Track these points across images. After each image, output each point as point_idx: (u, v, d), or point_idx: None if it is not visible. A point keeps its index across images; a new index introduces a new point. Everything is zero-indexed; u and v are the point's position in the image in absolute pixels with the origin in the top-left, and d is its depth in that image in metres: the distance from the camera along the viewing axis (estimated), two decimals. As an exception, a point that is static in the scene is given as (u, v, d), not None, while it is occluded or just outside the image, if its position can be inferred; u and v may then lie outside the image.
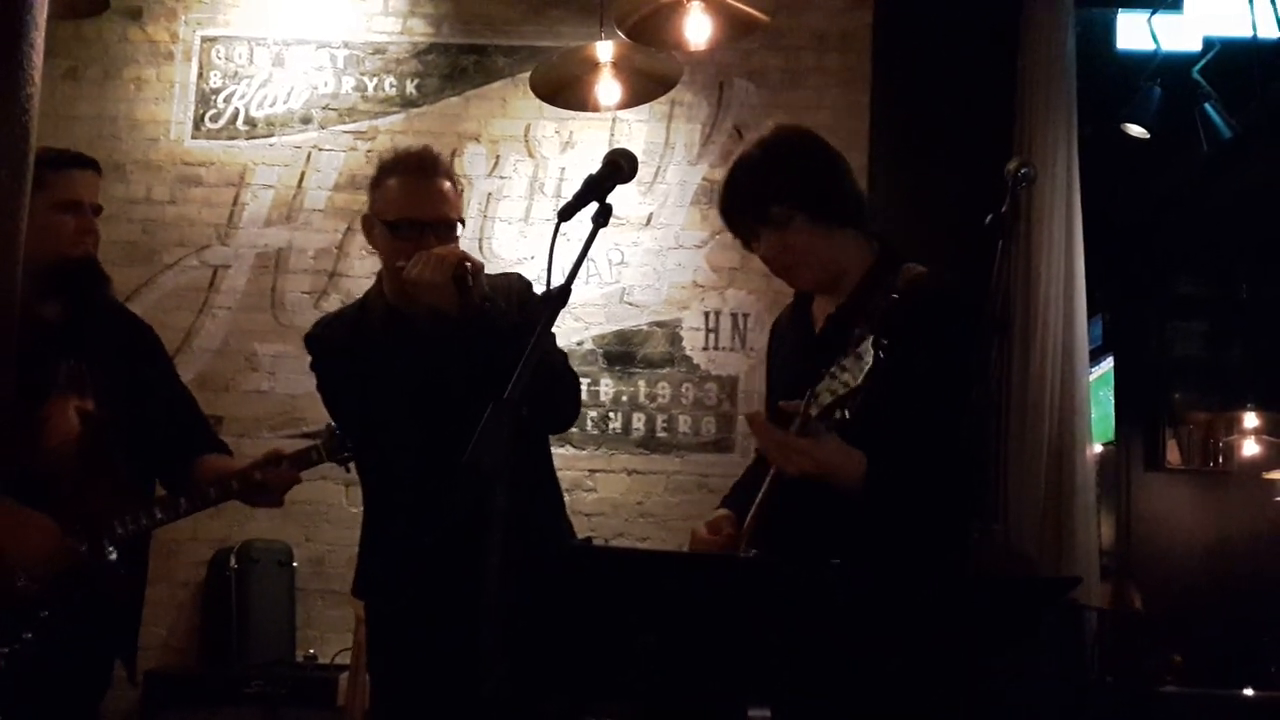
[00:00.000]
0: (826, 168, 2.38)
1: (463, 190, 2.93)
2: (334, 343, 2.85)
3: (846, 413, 2.20)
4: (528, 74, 4.77)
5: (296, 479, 2.95)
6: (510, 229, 5.56)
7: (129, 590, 2.90)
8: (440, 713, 2.65)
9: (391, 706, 2.80)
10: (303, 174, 5.62)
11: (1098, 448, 5.90)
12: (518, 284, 2.87)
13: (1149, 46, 5.55)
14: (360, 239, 5.55)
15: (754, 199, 2.33)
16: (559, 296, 2.10)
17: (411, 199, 2.71)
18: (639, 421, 5.49)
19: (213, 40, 5.68)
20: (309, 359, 2.89)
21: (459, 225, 2.73)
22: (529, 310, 2.78)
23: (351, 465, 3.04)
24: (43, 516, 2.71)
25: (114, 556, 2.78)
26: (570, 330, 5.40)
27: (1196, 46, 5.54)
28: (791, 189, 2.32)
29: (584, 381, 5.02)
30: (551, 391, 2.68)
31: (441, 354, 2.67)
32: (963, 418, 2.25)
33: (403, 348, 2.75)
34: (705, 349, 5.50)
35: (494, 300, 2.63)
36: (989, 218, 2.40)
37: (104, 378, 2.89)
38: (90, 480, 2.81)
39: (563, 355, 2.89)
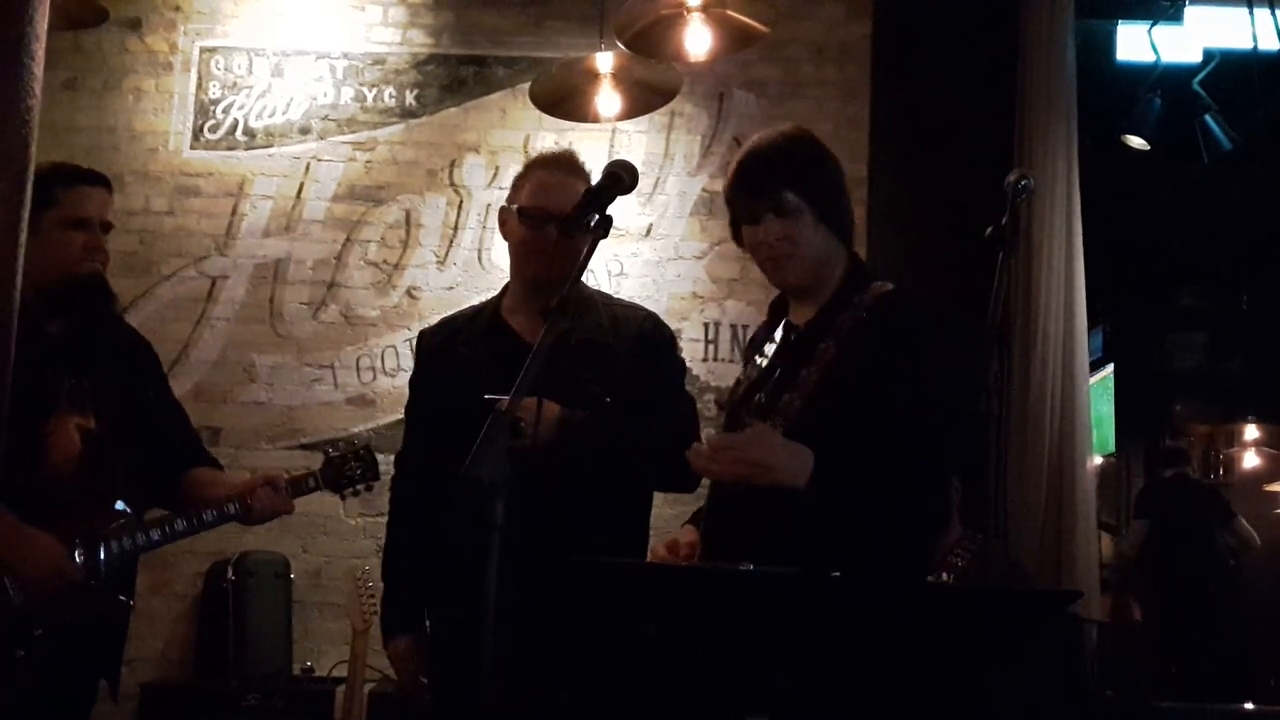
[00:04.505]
0: (837, 176, 2.43)
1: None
2: (435, 342, 2.97)
3: (781, 420, 2.23)
4: (527, 85, 4.76)
5: (290, 507, 2.97)
6: (509, 240, 5.53)
7: (119, 610, 2.89)
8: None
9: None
10: (302, 185, 5.61)
11: (1098, 459, 5.89)
12: (648, 331, 2.90)
13: (1149, 58, 5.55)
14: (358, 250, 5.60)
15: (772, 180, 2.34)
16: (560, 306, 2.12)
17: (546, 191, 2.82)
18: (638, 433, 5.47)
19: (212, 51, 5.68)
20: (415, 353, 3.06)
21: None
22: (647, 359, 2.85)
23: (347, 493, 3.05)
24: (47, 535, 2.70)
25: (108, 577, 2.77)
26: (569, 341, 5.38)
27: (1197, 58, 5.53)
28: (808, 182, 2.35)
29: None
30: (633, 459, 2.81)
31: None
32: (937, 430, 2.24)
33: (494, 361, 2.73)
34: (705, 360, 5.48)
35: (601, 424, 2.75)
36: (989, 230, 2.41)
37: (106, 395, 2.88)
38: (89, 499, 2.80)
39: (667, 423, 2.87)
